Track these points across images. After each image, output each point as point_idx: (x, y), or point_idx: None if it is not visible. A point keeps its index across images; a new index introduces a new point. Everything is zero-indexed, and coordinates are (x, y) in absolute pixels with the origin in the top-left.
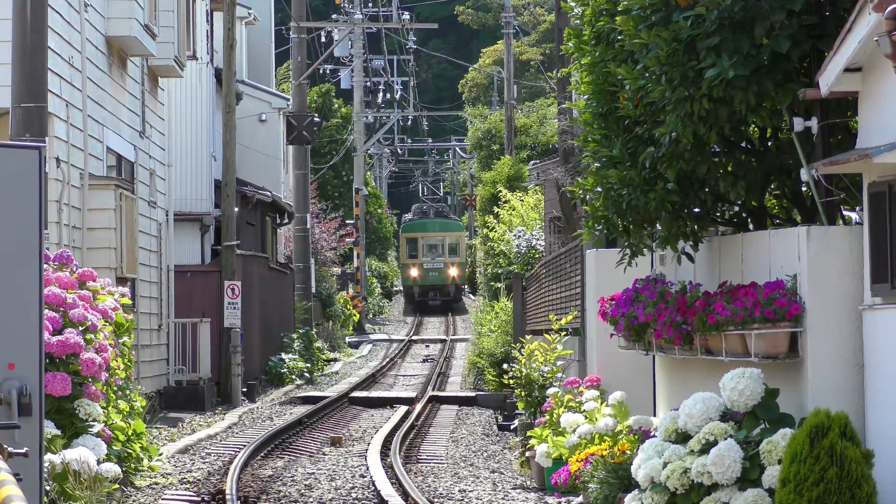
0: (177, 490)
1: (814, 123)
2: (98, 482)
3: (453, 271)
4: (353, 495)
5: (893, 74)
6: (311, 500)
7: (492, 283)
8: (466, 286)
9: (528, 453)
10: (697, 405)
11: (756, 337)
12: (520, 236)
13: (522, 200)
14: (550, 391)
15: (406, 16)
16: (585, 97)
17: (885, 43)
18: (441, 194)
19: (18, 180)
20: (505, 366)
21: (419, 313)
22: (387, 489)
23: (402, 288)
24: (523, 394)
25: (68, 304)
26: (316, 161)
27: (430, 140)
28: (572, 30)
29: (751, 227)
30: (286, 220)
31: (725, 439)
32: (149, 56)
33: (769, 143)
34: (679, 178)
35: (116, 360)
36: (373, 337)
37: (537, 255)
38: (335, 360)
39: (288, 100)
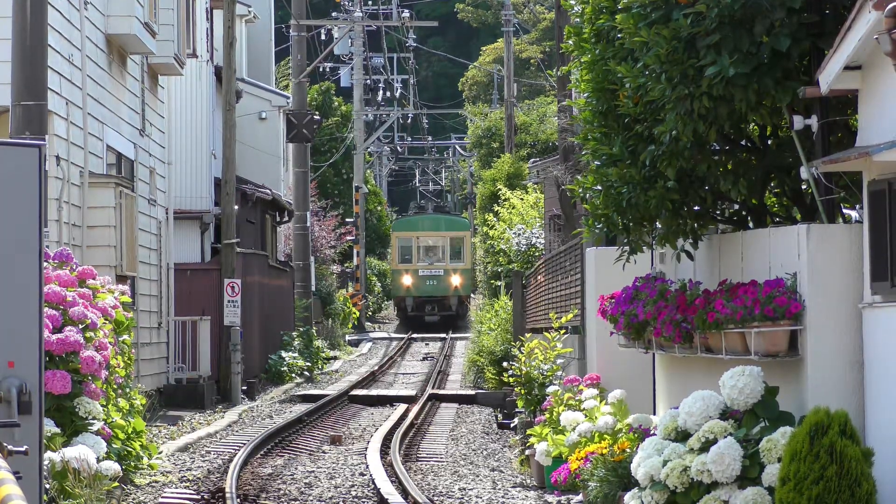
0: (176, 488)
1: (814, 121)
2: (98, 480)
3: (456, 280)
4: (353, 493)
5: (893, 72)
6: (310, 498)
7: (492, 282)
8: (472, 296)
9: (527, 451)
10: (697, 403)
11: (756, 335)
12: (520, 234)
13: (522, 198)
14: (550, 389)
15: (406, 13)
16: (585, 95)
17: (885, 41)
18: (442, 184)
19: (18, 178)
20: (505, 364)
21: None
22: (386, 487)
23: (392, 300)
24: (523, 392)
25: (68, 302)
26: (316, 159)
27: (430, 138)
28: (572, 28)
29: (751, 225)
30: (286, 218)
31: (725, 437)
32: (149, 54)
33: (769, 142)
34: (679, 177)
35: (116, 358)
36: (373, 335)
37: (537, 253)
38: (335, 358)
39: (288, 98)
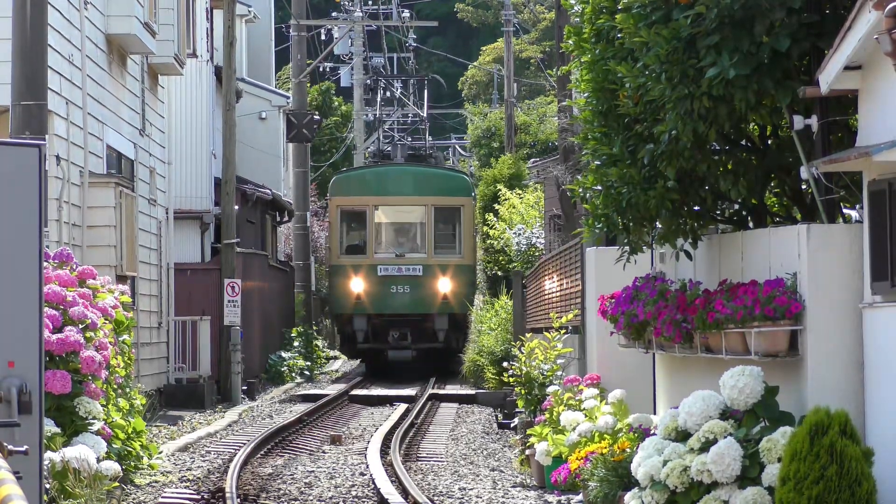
0: (177, 488)
1: (814, 121)
2: (98, 480)
3: (444, 284)
4: (353, 493)
5: (893, 72)
6: (311, 498)
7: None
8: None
9: (528, 451)
10: (697, 403)
11: (756, 335)
12: (520, 234)
13: (522, 198)
14: (550, 389)
15: (406, 13)
16: (585, 95)
17: (885, 41)
18: (424, 115)
19: (18, 178)
20: (505, 364)
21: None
22: (387, 487)
23: (331, 318)
24: (523, 392)
25: (68, 302)
26: (316, 159)
27: (429, 138)
28: (572, 27)
29: (751, 225)
30: (286, 218)
31: (725, 437)
32: (149, 54)
33: (769, 142)
34: (679, 176)
35: (116, 358)
36: None
37: (537, 253)
38: (335, 357)
39: (288, 98)
